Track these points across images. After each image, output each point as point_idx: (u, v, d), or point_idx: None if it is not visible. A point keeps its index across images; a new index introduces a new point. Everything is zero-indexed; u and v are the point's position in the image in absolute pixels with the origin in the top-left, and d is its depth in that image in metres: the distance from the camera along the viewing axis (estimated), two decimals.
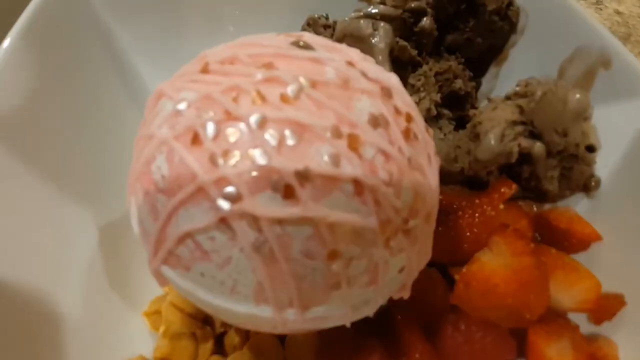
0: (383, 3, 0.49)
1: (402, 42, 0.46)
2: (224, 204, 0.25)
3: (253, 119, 0.26)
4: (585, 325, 0.41)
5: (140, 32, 0.52)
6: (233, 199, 0.25)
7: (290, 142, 0.25)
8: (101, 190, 0.38)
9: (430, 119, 0.48)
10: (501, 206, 0.42)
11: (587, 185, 0.43)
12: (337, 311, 0.29)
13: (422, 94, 0.47)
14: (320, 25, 0.52)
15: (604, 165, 0.44)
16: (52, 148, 0.42)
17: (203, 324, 0.40)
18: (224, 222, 0.25)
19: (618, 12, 0.78)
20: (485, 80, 0.55)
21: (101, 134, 0.45)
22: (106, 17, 0.51)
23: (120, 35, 0.51)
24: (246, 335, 0.40)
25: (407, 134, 0.29)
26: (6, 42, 0.39)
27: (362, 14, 0.48)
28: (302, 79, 0.27)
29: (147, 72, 0.53)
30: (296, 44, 0.30)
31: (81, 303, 0.39)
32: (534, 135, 0.42)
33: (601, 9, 0.79)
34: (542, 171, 0.42)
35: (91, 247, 0.42)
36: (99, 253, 0.42)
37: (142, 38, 0.52)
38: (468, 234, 0.41)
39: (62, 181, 0.41)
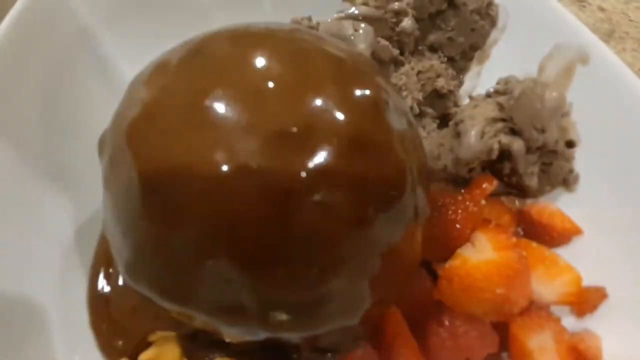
0: (365, 4, 0.50)
1: (384, 42, 0.47)
2: None
3: None
4: (567, 318, 0.41)
5: (124, 34, 0.52)
6: None
7: None
8: (79, 188, 0.38)
9: (413, 118, 0.48)
10: (483, 202, 0.42)
11: (567, 180, 0.44)
12: None
13: (405, 93, 0.48)
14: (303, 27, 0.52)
15: (582, 160, 0.44)
16: (36, 150, 0.42)
17: None
18: None
19: (602, 9, 0.79)
20: (468, 79, 0.55)
21: (85, 137, 0.45)
22: (90, 20, 0.51)
23: (104, 38, 0.52)
24: None
25: None
26: None
27: (344, 15, 0.48)
28: None
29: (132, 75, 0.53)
30: None
31: (62, 304, 0.39)
32: (514, 132, 0.43)
33: (584, 6, 0.79)
34: (522, 167, 0.43)
35: (72, 244, 0.42)
36: (80, 252, 0.42)
37: (127, 41, 0.52)
38: (451, 230, 0.41)
39: (45, 181, 0.42)
